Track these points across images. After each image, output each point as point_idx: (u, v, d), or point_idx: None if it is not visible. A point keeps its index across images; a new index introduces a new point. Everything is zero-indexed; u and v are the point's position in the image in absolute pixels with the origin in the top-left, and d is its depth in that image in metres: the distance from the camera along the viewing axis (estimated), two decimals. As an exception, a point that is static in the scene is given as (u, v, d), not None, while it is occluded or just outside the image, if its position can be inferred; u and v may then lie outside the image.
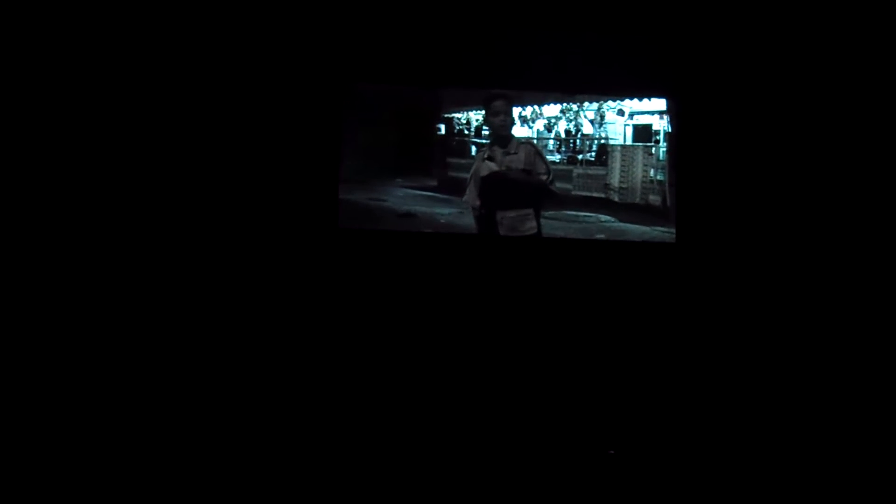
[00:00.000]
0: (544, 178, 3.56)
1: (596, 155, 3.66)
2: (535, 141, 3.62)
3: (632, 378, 3.17)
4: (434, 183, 3.69)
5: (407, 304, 3.34)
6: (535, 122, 3.65)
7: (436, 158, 3.69)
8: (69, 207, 3.18)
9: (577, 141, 3.66)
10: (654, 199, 3.57)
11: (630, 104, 3.60)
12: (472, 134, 3.67)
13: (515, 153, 3.56)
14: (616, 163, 3.63)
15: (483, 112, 3.61)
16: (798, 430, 2.84)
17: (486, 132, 3.63)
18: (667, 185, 3.55)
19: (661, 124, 3.56)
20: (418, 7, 3.44)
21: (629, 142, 3.61)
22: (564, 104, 3.63)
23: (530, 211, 3.53)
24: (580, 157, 3.67)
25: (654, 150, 3.58)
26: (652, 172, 3.58)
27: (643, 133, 3.59)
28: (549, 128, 3.66)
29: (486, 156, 3.58)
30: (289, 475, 2.54)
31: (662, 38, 3.52)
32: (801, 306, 3.24)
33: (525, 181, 3.56)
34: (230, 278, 3.28)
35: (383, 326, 3.28)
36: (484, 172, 3.57)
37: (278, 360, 3.13)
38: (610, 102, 3.60)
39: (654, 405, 3.04)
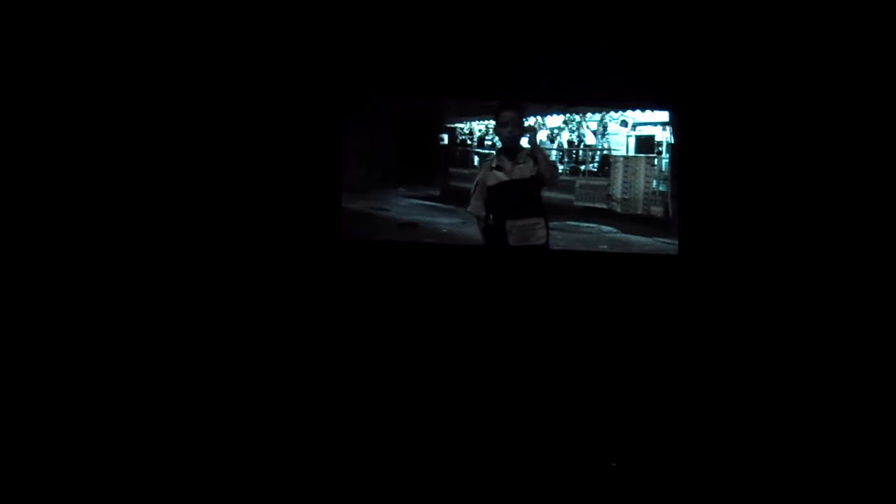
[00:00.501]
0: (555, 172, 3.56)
1: (598, 166, 3.67)
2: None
3: (636, 389, 3.16)
4: (436, 193, 3.68)
5: (411, 315, 3.33)
6: (538, 132, 3.65)
7: (438, 168, 3.69)
8: (77, 219, 3.15)
9: (580, 152, 3.66)
10: (657, 210, 3.58)
11: (633, 115, 3.61)
12: (475, 144, 3.67)
13: (525, 163, 3.55)
14: (618, 174, 3.64)
15: (489, 122, 3.61)
16: (800, 440, 2.84)
17: (489, 142, 3.64)
18: (669, 196, 3.56)
19: (663, 135, 3.57)
20: (422, 18, 3.44)
21: (632, 153, 3.61)
22: (567, 115, 3.64)
23: (541, 220, 3.53)
24: (583, 167, 3.67)
25: (656, 161, 3.59)
26: (654, 183, 3.59)
27: (646, 144, 3.60)
28: (551, 138, 3.67)
29: (494, 165, 3.58)
30: (291, 483, 2.52)
31: (665, 50, 3.53)
32: (803, 317, 3.25)
33: (535, 190, 3.55)
34: (233, 287, 3.25)
35: (387, 338, 3.26)
36: (492, 182, 3.55)
37: (281, 371, 3.11)
38: (612, 113, 3.61)
39: (658, 416, 3.04)
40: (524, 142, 3.58)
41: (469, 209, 3.58)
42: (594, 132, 3.64)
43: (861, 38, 3.25)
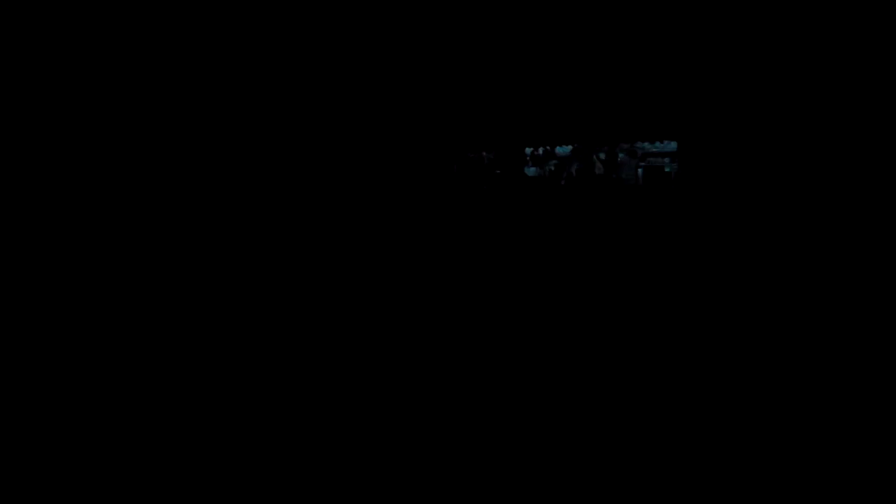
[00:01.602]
0: None
1: (608, 196, 3.64)
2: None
3: (639, 396, 3.08)
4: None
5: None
6: (548, 162, 3.67)
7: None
8: (106, 237, 3.29)
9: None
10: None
11: (642, 146, 3.59)
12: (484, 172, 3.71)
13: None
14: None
15: (494, 152, 3.65)
16: (804, 443, 2.72)
17: (498, 172, 3.67)
18: (679, 226, 3.50)
19: (672, 167, 3.54)
20: (428, 42, 3.54)
21: (641, 183, 3.59)
22: (576, 144, 3.65)
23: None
24: (592, 198, 3.65)
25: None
26: (664, 214, 3.54)
27: (655, 175, 3.57)
28: (560, 168, 3.67)
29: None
30: (290, 490, 2.53)
31: (674, 81, 3.52)
32: (809, 331, 3.13)
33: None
34: (246, 298, 3.33)
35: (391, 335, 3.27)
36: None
37: (284, 378, 3.14)
38: (622, 144, 3.60)
39: (662, 417, 2.95)
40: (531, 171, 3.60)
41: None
42: (603, 162, 3.63)
43: (861, 56, 3.19)
